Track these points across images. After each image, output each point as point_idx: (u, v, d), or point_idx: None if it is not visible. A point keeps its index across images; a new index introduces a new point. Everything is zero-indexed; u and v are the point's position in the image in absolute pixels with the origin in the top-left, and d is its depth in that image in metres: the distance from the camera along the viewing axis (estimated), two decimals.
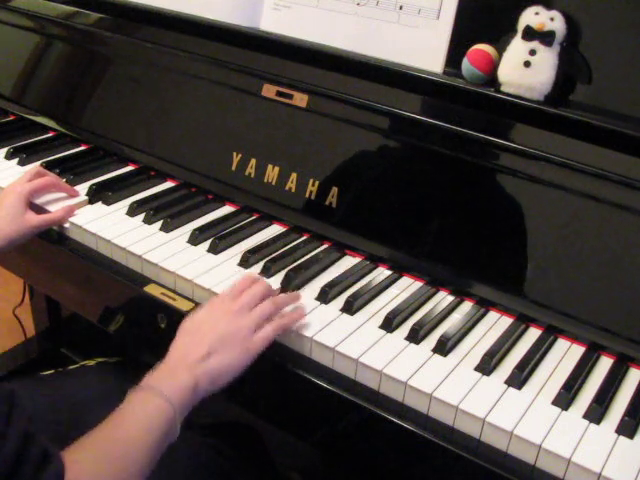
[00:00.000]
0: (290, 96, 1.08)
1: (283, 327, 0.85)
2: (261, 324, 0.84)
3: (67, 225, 1.07)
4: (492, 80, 0.96)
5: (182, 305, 0.93)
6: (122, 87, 1.28)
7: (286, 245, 1.04)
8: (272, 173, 1.09)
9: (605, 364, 0.87)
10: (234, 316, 0.83)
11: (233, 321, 0.83)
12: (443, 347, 0.85)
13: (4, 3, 1.42)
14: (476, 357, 0.84)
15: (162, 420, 0.74)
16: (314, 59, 1.07)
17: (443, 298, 0.96)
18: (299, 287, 0.95)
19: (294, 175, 1.07)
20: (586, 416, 0.78)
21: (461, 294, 0.96)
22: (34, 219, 1.04)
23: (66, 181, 1.16)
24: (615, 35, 0.92)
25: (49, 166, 1.20)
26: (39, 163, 1.21)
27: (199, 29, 1.18)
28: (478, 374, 0.82)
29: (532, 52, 0.92)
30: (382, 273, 1.00)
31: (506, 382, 0.82)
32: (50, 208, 1.10)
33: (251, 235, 1.07)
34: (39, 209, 1.09)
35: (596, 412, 0.77)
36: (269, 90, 1.10)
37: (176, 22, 1.21)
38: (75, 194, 1.13)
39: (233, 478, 0.98)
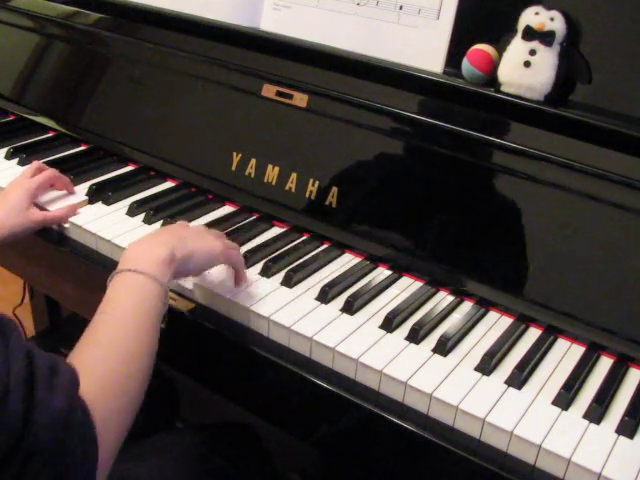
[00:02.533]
0: (290, 96, 1.08)
1: (241, 270, 0.91)
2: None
3: (67, 225, 1.07)
4: (492, 80, 0.96)
5: (182, 305, 0.93)
6: (122, 87, 1.28)
7: (286, 245, 1.05)
8: (272, 173, 1.09)
9: (605, 364, 0.87)
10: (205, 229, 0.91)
11: (208, 232, 0.90)
12: (443, 347, 0.85)
13: (4, 3, 1.42)
14: (476, 357, 0.84)
15: (154, 299, 0.75)
16: (314, 59, 1.07)
17: (443, 298, 0.96)
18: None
19: (294, 175, 1.07)
20: (586, 416, 0.78)
21: (461, 294, 0.96)
22: (38, 214, 1.05)
23: None
24: (615, 35, 0.92)
25: (49, 166, 1.19)
26: (40, 162, 1.21)
27: (199, 29, 1.18)
28: (478, 374, 0.82)
29: (532, 52, 0.92)
30: (382, 273, 1.00)
31: (506, 382, 0.82)
32: (50, 207, 1.10)
33: (251, 235, 1.07)
34: (40, 208, 1.09)
35: (596, 412, 0.77)
36: (269, 90, 1.10)
37: (176, 22, 1.21)
38: (71, 191, 1.14)
39: (233, 478, 0.98)
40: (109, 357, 0.69)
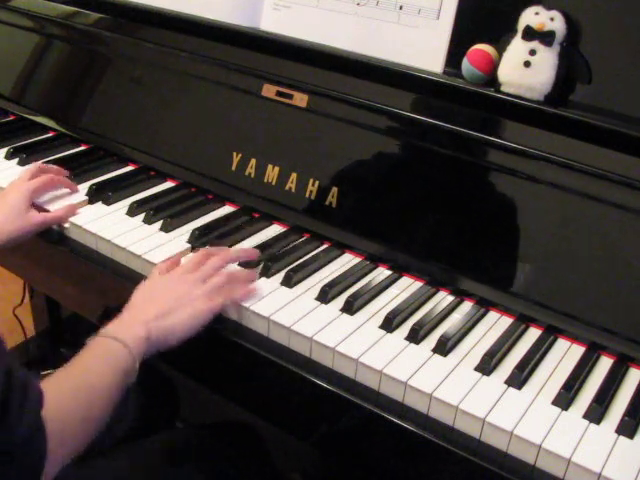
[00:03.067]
0: (290, 96, 1.08)
1: (232, 299, 0.90)
2: (213, 294, 0.89)
3: (67, 225, 1.07)
4: (492, 80, 0.96)
5: None
6: (122, 87, 1.28)
7: (286, 245, 1.05)
8: (272, 173, 1.09)
9: (605, 364, 0.87)
10: (188, 284, 0.90)
11: (186, 288, 0.89)
12: (443, 347, 0.85)
13: (4, 3, 1.42)
14: (476, 357, 0.84)
15: (121, 360, 0.79)
16: (314, 59, 1.07)
17: (443, 298, 0.96)
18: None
19: (294, 175, 1.07)
20: (586, 416, 0.78)
21: (461, 294, 0.96)
22: (37, 217, 1.04)
23: None
24: (615, 35, 0.92)
25: None
26: (39, 163, 1.21)
27: (199, 29, 1.18)
28: (478, 374, 0.82)
29: (532, 52, 0.92)
30: (382, 273, 1.00)
31: (506, 382, 0.82)
32: (50, 207, 1.10)
33: (251, 235, 1.07)
34: (39, 208, 1.09)
35: (596, 412, 0.77)
36: (269, 90, 1.10)
37: (176, 22, 1.21)
38: (75, 189, 1.14)
39: (233, 478, 0.98)
40: (70, 389, 0.75)
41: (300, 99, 1.07)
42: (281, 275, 0.97)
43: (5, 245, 1.01)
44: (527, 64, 0.92)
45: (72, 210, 1.08)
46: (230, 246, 1.03)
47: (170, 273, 0.92)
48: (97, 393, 0.76)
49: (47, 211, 1.09)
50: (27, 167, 1.20)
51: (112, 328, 0.83)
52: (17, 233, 1.02)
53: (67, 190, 1.14)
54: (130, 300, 0.89)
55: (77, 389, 0.75)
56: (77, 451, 0.73)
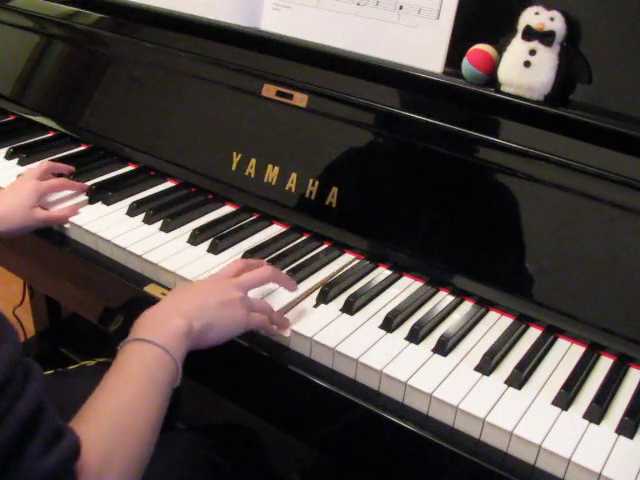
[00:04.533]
0: (290, 96, 1.08)
1: (268, 327, 0.86)
2: (250, 309, 0.84)
3: (67, 225, 1.07)
4: (492, 80, 0.96)
5: None
6: (122, 87, 1.28)
7: (286, 245, 1.05)
8: (272, 173, 1.09)
9: (605, 364, 0.87)
10: (229, 285, 0.84)
11: (230, 292, 0.83)
12: (443, 347, 0.85)
13: (4, 3, 1.42)
14: (476, 357, 0.84)
15: (166, 373, 0.72)
16: (314, 59, 1.07)
17: (443, 298, 0.96)
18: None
19: (294, 175, 1.07)
20: (586, 416, 0.78)
21: (461, 294, 0.96)
22: (41, 214, 1.05)
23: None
24: (615, 35, 0.92)
25: None
26: (39, 163, 1.21)
27: (199, 29, 1.18)
28: (478, 374, 0.82)
29: (532, 52, 0.92)
30: (382, 273, 1.00)
31: (506, 382, 0.82)
32: (50, 207, 1.10)
33: (251, 235, 1.07)
34: (42, 207, 1.09)
35: (596, 412, 0.77)
36: (269, 90, 1.10)
37: (176, 22, 1.21)
38: (84, 188, 1.14)
39: (233, 479, 0.98)
40: (111, 429, 0.66)
41: (300, 99, 1.07)
42: None
43: (5, 236, 1.03)
44: (527, 64, 0.92)
45: (73, 210, 1.08)
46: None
47: (209, 276, 0.88)
48: (140, 429, 0.68)
49: (49, 210, 1.09)
50: (27, 168, 1.20)
51: (147, 327, 0.75)
52: (17, 226, 1.03)
53: (70, 191, 1.14)
54: (165, 297, 0.83)
55: (118, 432, 0.66)
56: None
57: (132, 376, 0.71)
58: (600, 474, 0.71)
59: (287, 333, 0.87)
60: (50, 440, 0.58)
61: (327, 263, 1.01)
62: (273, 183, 1.09)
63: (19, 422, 0.56)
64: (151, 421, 0.69)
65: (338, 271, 0.99)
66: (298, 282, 0.96)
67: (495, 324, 0.92)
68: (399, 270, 1.00)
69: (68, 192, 1.14)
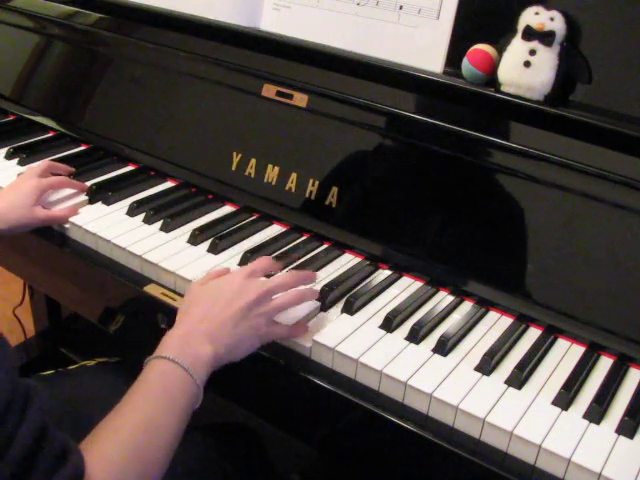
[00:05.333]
0: (290, 96, 1.08)
1: (292, 335, 0.85)
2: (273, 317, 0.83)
3: (67, 225, 1.07)
4: (492, 80, 0.96)
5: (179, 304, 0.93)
6: (122, 87, 1.28)
7: (286, 245, 1.05)
8: (272, 173, 1.09)
9: (605, 364, 0.87)
10: (258, 293, 0.81)
11: (257, 299, 0.81)
12: (443, 347, 0.85)
13: (4, 3, 1.42)
14: (476, 357, 0.84)
15: (185, 395, 0.72)
16: (314, 59, 1.07)
17: (443, 298, 0.96)
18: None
19: (294, 175, 1.07)
20: (586, 416, 0.78)
21: (461, 294, 0.96)
22: (41, 213, 1.06)
23: None
24: (615, 35, 0.92)
25: None
26: (39, 163, 1.21)
27: (199, 29, 1.18)
28: (478, 374, 0.82)
29: (532, 52, 0.92)
30: (382, 273, 1.00)
31: (506, 382, 0.82)
32: (50, 207, 1.10)
33: (251, 235, 1.07)
34: (43, 206, 1.09)
35: (596, 412, 0.77)
36: (269, 90, 1.10)
37: (176, 22, 1.21)
38: (84, 187, 1.14)
39: (233, 479, 0.98)
40: (128, 447, 0.66)
41: (300, 99, 1.07)
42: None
43: (4, 233, 1.03)
44: (527, 64, 0.92)
45: (73, 210, 1.08)
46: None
47: (229, 275, 0.86)
48: (156, 451, 0.67)
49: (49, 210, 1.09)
50: (27, 168, 1.20)
51: (173, 346, 0.74)
52: (17, 223, 1.03)
53: (70, 190, 1.14)
54: (187, 302, 0.82)
55: (135, 450, 0.66)
56: None
57: (152, 396, 0.70)
58: (600, 474, 0.71)
59: (288, 324, 0.86)
60: (54, 464, 0.58)
61: (327, 263, 1.01)
62: (273, 183, 1.09)
63: (22, 450, 0.56)
64: (165, 443, 0.69)
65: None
66: None
67: (495, 324, 0.92)
68: (399, 270, 1.00)
69: (68, 192, 1.14)
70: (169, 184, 1.20)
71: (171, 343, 0.76)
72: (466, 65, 0.97)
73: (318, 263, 1.00)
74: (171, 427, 0.70)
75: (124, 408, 0.69)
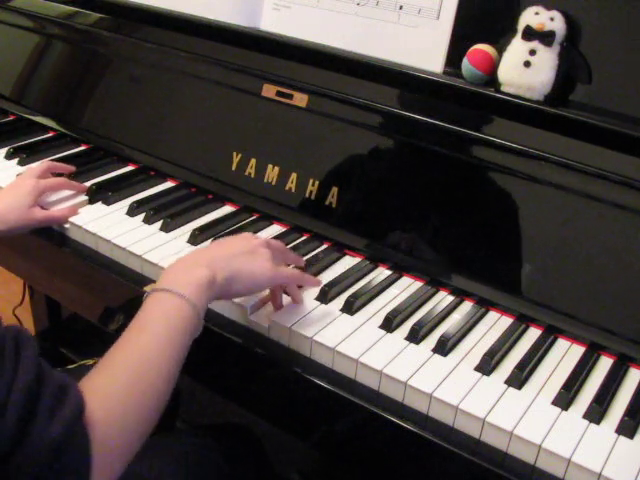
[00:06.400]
0: (290, 96, 1.08)
1: (301, 280, 0.89)
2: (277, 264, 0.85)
3: (67, 225, 1.07)
4: (492, 80, 0.96)
5: None
6: (122, 87, 1.28)
7: (286, 245, 1.04)
8: (272, 173, 1.09)
9: (605, 364, 0.87)
10: (254, 241, 0.85)
11: (258, 246, 0.84)
12: (443, 347, 0.85)
13: (4, 3, 1.42)
14: (476, 357, 0.84)
15: (183, 322, 0.71)
16: (314, 59, 1.07)
17: (443, 298, 0.96)
18: (299, 287, 0.95)
19: (294, 175, 1.07)
20: (586, 416, 0.78)
21: (461, 294, 0.96)
22: (39, 213, 1.05)
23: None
24: (615, 35, 0.92)
25: None
26: (39, 163, 1.21)
27: (199, 29, 1.18)
28: (478, 374, 0.82)
29: (532, 52, 0.92)
30: (382, 273, 1.00)
31: (506, 382, 0.82)
32: (49, 207, 1.10)
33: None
34: (42, 207, 1.09)
35: (596, 412, 0.77)
36: (269, 90, 1.10)
37: (176, 22, 1.21)
38: (83, 188, 1.14)
39: (232, 479, 0.98)
40: (124, 378, 0.66)
41: (300, 99, 1.07)
42: None
43: (3, 234, 1.03)
44: (527, 64, 0.92)
45: (73, 210, 1.08)
46: None
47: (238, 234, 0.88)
48: (154, 379, 0.67)
49: (48, 210, 1.09)
50: (27, 168, 1.20)
51: (171, 276, 0.75)
52: (16, 224, 1.03)
53: (70, 191, 1.14)
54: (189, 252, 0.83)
55: (131, 381, 0.66)
56: (135, 451, 0.66)
57: (149, 325, 0.71)
58: (600, 474, 0.71)
59: (288, 324, 0.87)
60: (55, 401, 0.59)
61: (327, 263, 1.01)
62: (273, 183, 1.09)
63: (22, 396, 0.57)
64: (166, 370, 0.69)
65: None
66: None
67: (495, 324, 0.92)
68: (399, 270, 1.00)
69: (68, 192, 1.14)
70: (169, 184, 1.20)
71: (167, 274, 0.76)
72: (466, 65, 0.97)
73: (318, 263, 1.00)
74: (168, 354, 0.69)
75: (119, 342, 0.70)
